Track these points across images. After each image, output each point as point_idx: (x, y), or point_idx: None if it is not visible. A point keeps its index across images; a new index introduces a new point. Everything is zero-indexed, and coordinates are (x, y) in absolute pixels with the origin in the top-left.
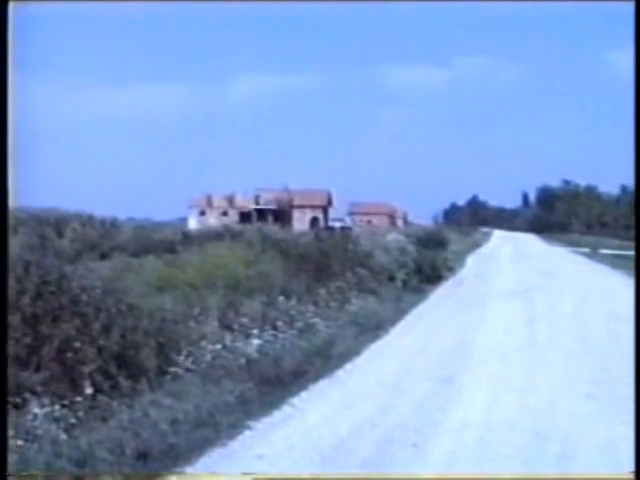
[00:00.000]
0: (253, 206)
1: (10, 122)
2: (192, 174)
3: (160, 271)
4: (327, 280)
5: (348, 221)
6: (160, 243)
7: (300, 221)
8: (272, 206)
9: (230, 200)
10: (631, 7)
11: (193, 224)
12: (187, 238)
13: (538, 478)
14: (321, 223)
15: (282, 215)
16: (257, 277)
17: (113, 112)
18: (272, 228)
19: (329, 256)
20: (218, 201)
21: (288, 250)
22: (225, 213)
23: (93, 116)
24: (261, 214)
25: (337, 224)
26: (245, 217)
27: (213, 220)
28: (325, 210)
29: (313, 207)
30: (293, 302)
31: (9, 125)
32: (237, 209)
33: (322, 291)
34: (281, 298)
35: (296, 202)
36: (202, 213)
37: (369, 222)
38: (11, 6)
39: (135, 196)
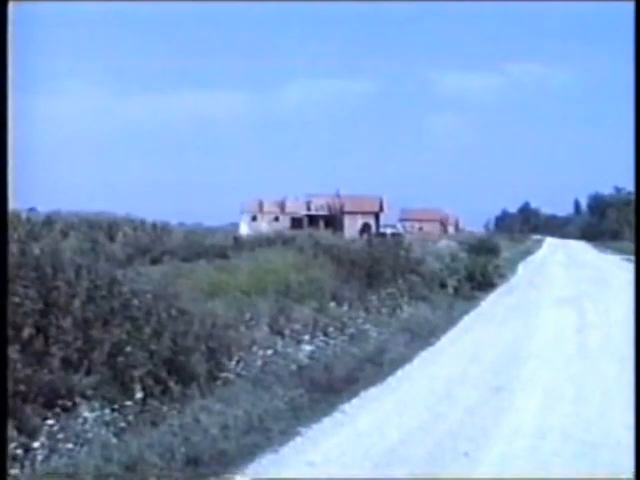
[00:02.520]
0: (304, 212)
1: (53, 126)
2: (244, 179)
3: (211, 276)
4: (378, 286)
5: (399, 227)
6: (211, 248)
7: (351, 227)
8: (323, 212)
9: (281, 205)
10: (631, 7)
11: (244, 229)
12: (238, 243)
13: (539, 478)
14: (372, 229)
15: (333, 221)
16: (308, 283)
17: (165, 118)
18: (323, 234)
19: (380, 262)
20: (269, 206)
21: (339, 256)
22: (277, 218)
23: (144, 121)
24: (312, 220)
25: (388, 230)
26: (296, 223)
27: (264, 225)
28: (376, 216)
29: (364, 213)
30: (344, 308)
31: (26, 129)
32: (288, 215)
33: (373, 297)
34: (332, 304)
35: (347, 208)
36: (254, 218)
37: (420, 228)
38: (11, 6)
39: (187, 201)
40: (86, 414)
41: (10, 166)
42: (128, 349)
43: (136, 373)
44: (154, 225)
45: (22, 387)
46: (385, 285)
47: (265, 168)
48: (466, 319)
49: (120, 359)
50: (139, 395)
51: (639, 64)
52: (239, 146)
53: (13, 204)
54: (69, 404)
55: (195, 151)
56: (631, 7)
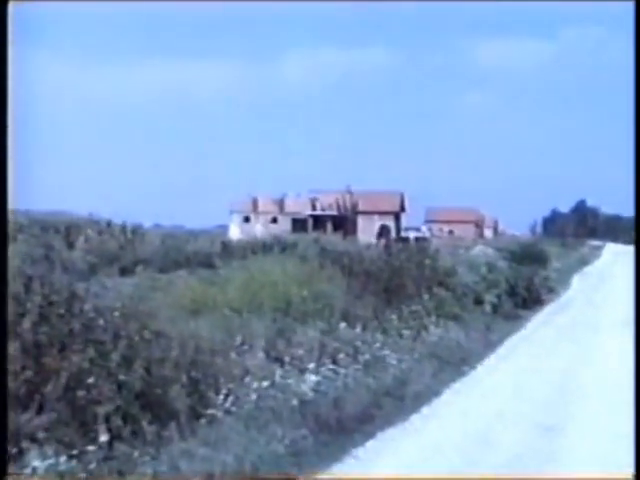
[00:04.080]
0: (308, 211)
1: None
2: (234, 171)
3: (194, 290)
4: (399, 303)
5: (425, 230)
6: (194, 256)
7: (366, 230)
8: (331, 212)
9: (280, 204)
10: (631, 7)
11: (235, 233)
12: (227, 250)
13: (539, 478)
14: (392, 233)
15: (344, 223)
16: (313, 299)
17: (133, 94)
18: (332, 239)
19: (401, 273)
20: (266, 205)
21: (351, 266)
22: (274, 220)
23: (107, 98)
24: (318, 221)
25: (411, 234)
26: (299, 225)
27: (259, 228)
28: (397, 217)
29: (382, 213)
30: (357, 330)
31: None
32: (289, 215)
33: (393, 317)
34: (342, 325)
35: (361, 207)
36: (246, 220)
37: (451, 232)
38: (11, 6)
39: (164, 198)
40: (36, 463)
41: None
42: (91, 380)
43: (101, 410)
44: (123, 227)
45: None
46: (407, 301)
47: (260, 158)
48: (507, 344)
49: (80, 393)
50: (104, 438)
51: (639, 64)
52: (228, 131)
53: None
54: (14, 450)
55: (174, 136)
56: (631, 7)
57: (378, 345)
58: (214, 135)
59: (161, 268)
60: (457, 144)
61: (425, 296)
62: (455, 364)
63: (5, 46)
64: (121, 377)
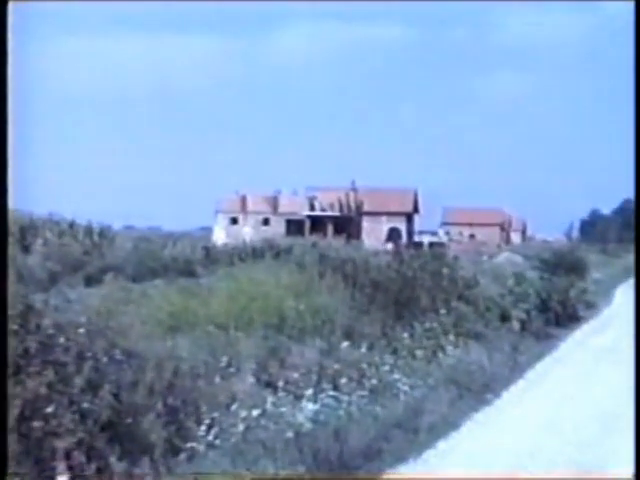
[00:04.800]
0: (306, 212)
1: None
2: (220, 165)
3: (172, 303)
4: (412, 319)
5: (442, 235)
6: (173, 263)
7: (373, 234)
8: (333, 212)
9: (273, 203)
10: (631, 7)
11: (220, 236)
12: (211, 256)
13: (539, 479)
14: (403, 237)
15: (347, 225)
16: (311, 313)
17: (100, 72)
18: (333, 243)
19: (414, 285)
20: (256, 204)
21: (356, 275)
22: (266, 221)
23: (68, 75)
24: (317, 223)
25: (426, 239)
26: (294, 227)
27: (249, 231)
28: (408, 218)
29: (391, 214)
30: (363, 350)
31: None
32: (283, 216)
33: (404, 335)
34: (345, 344)
35: (367, 207)
36: (233, 221)
37: (472, 236)
38: (11, 6)
39: (137, 196)
40: None
41: None
42: (49, 409)
43: (60, 444)
44: (89, 229)
45: None
46: (421, 317)
47: (250, 149)
48: (538, 368)
49: (37, 424)
50: (64, 478)
51: (639, 64)
52: (213, 118)
53: None
54: None
55: (149, 122)
56: (631, 7)
57: (387, 368)
58: (197, 122)
59: (134, 277)
60: (480, 133)
61: (442, 311)
62: (477, 391)
63: (5, 46)
64: (85, 405)
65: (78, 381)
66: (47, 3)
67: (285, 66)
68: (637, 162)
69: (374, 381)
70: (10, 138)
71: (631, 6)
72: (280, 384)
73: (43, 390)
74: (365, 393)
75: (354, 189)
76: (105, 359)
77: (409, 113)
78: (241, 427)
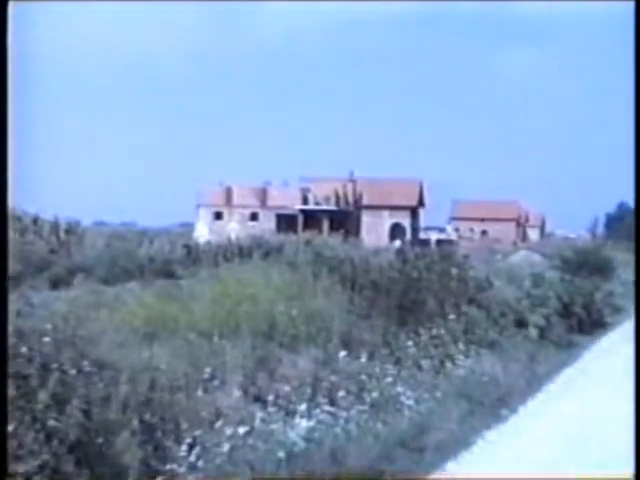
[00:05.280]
0: (298, 205)
1: None
2: (202, 153)
3: (149, 307)
4: (417, 325)
5: (450, 231)
6: (149, 263)
7: (373, 230)
8: (328, 206)
9: (262, 195)
10: (631, 7)
11: (203, 233)
12: (193, 255)
13: (539, 479)
14: (407, 234)
15: (345, 220)
16: (305, 319)
17: (61, 50)
18: (329, 241)
19: (420, 287)
20: (243, 196)
21: (354, 276)
22: (254, 216)
23: (23, 53)
24: (311, 218)
25: (433, 235)
26: (286, 223)
27: (235, 227)
28: (413, 213)
29: (394, 208)
30: (362, 360)
31: None
32: (273, 210)
33: (409, 343)
34: (343, 353)
35: (367, 199)
36: (217, 216)
37: (484, 232)
38: (11, 6)
39: (109, 188)
40: None
41: None
42: (10, 428)
43: (21, 468)
44: (55, 225)
45: None
46: (427, 323)
47: (236, 135)
48: (559, 380)
49: None
50: None
51: (639, 64)
52: (194, 99)
53: None
54: None
55: (120, 104)
56: (631, 7)
57: (389, 380)
58: (175, 105)
59: (105, 279)
60: (493, 117)
61: (451, 316)
62: (490, 406)
63: (5, 46)
64: (51, 423)
65: (42, 396)
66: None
67: (273, 40)
68: (637, 162)
69: (375, 394)
70: None
71: (631, 6)
72: (270, 398)
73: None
74: (365, 408)
75: (352, 180)
76: (73, 371)
77: (414, 95)
78: (226, 446)
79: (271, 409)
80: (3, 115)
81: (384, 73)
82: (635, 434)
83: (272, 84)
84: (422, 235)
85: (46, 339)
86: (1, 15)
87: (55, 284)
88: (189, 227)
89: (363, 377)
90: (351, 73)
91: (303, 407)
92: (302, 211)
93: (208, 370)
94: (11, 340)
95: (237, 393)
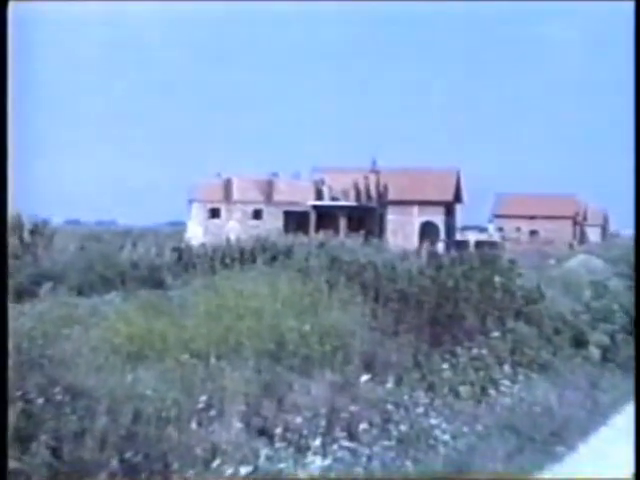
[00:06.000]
0: (311, 201)
1: None
2: (196, 139)
3: (133, 323)
4: (453, 344)
5: (492, 231)
6: (132, 269)
7: (401, 230)
8: (347, 201)
9: (267, 189)
10: (631, 7)
11: (196, 234)
12: (185, 260)
13: (539, 479)
14: (441, 234)
15: (366, 218)
16: (319, 336)
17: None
18: (347, 243)
19: (457, 298)
20: (245, 190)
21: (378, 286)
22: (257, 214)
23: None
24: (326, 216)
25: (472, 237)
26: (295, 221)
27: (234, 226)
28: (448, 209)
29: (425, 203)
30: (388, 385)
31: None
32: (280, 206)
33: (444, 365)
34: (365, 377)
35: (393, 194)
36: (214, 213)
37: (534, 233)
38: (11, 6)
39: (82, 180)
40: None
41: None
42: None
43: None
44: (18, 224)
45: None
46: (466, 342)
47: (234, 117)
48: (628, 410)
49: None
50: None
51: (639, 64)
52: (185, 76)
53: None
54: None
55: (101, 83)
56: (631, 7)
57: (421, 410)
58: (164, 84)
59: (80, 288)
60: (543, 100)
61: (494, 334)
62: (543, 442)
63: (5, 46)
64: (12, 464)
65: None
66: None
67: (277, 13)
68: (637, 161)
69: (403, 427)
70: None
71: (631, 6)
72: (278, 431)
73: None
74: (391, 444)
75: (375, 170)
76: (41, 400)
77: (448, 74)
78: None
79: (279, 445)
80: (3, 117)
81: (406, 51)
82: (635, 434)
83: (277, 63)
84: (459, 236)
85: (8, 361)
86: (1, 15)
87: (18, 296)
88: (180, 227)
89: (389, 406)
90: (372, 49)
91: (317, 442)
92: (315, 207)
93: (203, 398)
94: None
95: (238, 425)
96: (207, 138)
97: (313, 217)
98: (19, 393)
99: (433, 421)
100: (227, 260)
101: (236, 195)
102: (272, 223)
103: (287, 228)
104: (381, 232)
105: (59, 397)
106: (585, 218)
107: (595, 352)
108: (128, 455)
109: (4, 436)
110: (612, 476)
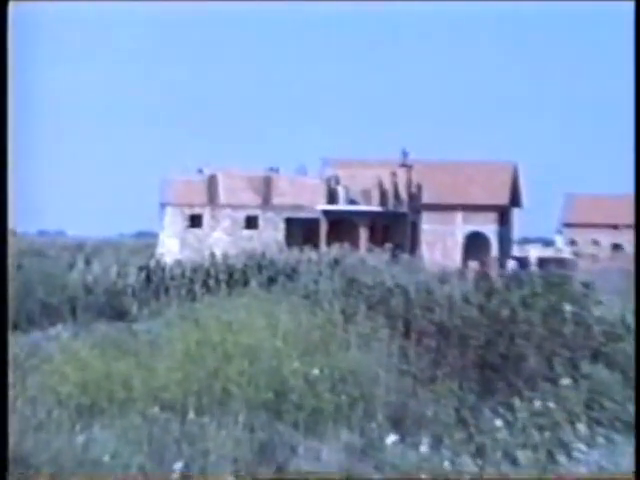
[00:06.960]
0: (322, 204)
1: None
2: (170, 126)
3: (87, 366)
4: (509, 394)
5: (562, 244)
6: (86, 295)
7: (439, 242)
8: (368, 204)
9: (264, 188)
10: (631, 7)
11: (171, 247)
12: (155, 282)
13: (539, 478)
14: (493, 249)
15: (394, 227)
16: (332, 383)
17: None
18: (369, 259)
19: (514, 333)
20: (234, 190)
21: (410, 316)
22: (251, 222)
23: None
24: (341, 224)
25: (534, 252)
26: (301, 231)
27: (222, 237)
28: (503, 215)
29: (471, 208)
30: (423, 449)
31: None
32: (281, 210)
33: (497, 422)
34: (393, 439)
35: (429, 195)
36: (194, 221)
37: (617, 247)
38: (11, 6)
39: (21, 179)
40: None
41: None
42: None
43: None
44: None
45: None
46: (527, 391)
47: (222, 104)
48: None
49: None
50: None
51: (639, 64)
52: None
53: None
54: None
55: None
56: (631, 7)
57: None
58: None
59: (15, 320)
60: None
61: (564, 381)
62: None
63: (5, 46)
64: None
65: None
66: None
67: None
68: (637, 161)
69: None
70: None
71: (631, 6)
72: None
73: None
74: None
75: (406, 165)
76: None
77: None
78: None
79: None
80: (3, 117)
81: (443, 23)
82: (635, 434)
83: (285, 47)
84: (517, 251)
85: None
86: (1, 15)
87: None
88: (149, 238)
89: (424, 476)
90: (398, 31)
91: None
92: (326, 213)
93: (179, 465)
94: None
95: None
96: (189, 126)
97: (324, 226)
98: None
99: None
100: (211, 282)
101: (223, 197)
102: (270, 234)
103: (290, 240)
104: (413, 246)
105: None
106: None
107: None
108: None
109: (4, 436)
110: None
